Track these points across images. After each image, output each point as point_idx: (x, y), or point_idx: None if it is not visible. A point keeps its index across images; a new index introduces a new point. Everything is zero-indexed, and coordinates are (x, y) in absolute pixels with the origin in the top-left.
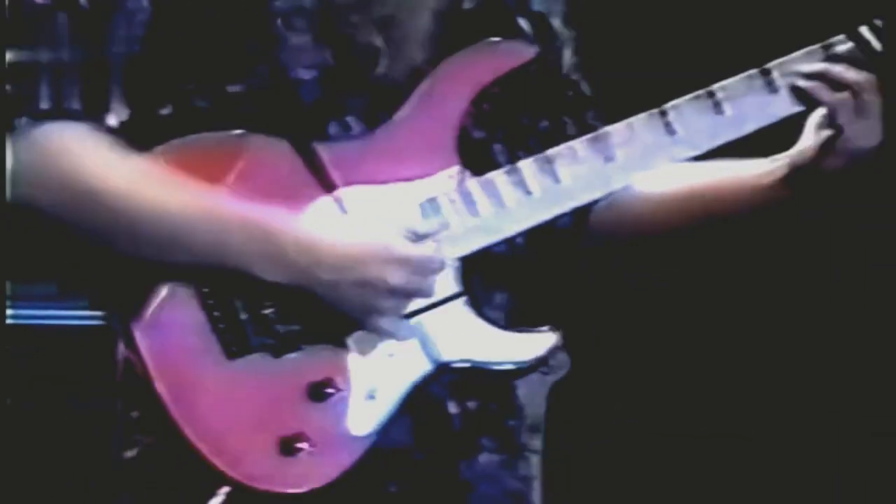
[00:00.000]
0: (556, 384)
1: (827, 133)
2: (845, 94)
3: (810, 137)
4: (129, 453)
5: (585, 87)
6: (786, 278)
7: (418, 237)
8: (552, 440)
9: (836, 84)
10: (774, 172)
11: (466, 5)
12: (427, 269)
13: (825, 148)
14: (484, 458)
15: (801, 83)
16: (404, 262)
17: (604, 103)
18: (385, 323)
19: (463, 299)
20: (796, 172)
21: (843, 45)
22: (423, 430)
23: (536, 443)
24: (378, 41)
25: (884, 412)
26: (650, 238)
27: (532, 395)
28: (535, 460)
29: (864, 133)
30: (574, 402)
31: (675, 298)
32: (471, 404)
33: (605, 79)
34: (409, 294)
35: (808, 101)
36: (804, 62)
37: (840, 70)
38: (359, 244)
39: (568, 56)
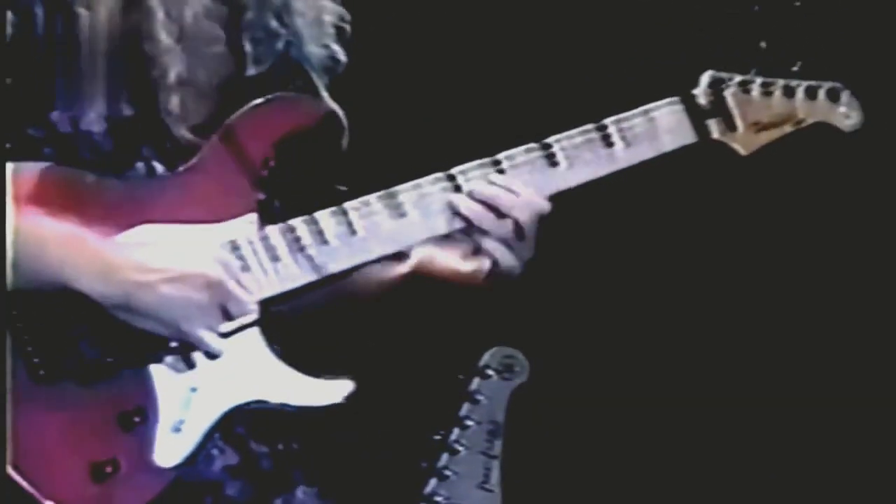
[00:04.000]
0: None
1: (476, 261)
2: (508, 225)
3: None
4: None
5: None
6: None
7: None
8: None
9: (500, 213)
10: (397, 270)
11: (251, 72)
12: (239, 275)
13: (452, 269)
14: (301, 492)
15: (466, 208)
16: (220, 260)
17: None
18: (202, 331)
19: (265, 343)
20: (415, 276)
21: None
22: (232, 466)
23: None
24: (167, 98)
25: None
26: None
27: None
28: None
29: (512, 263)
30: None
31: (638, 305)
32: (279, 443)
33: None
34: (222, 293)
35: (470, 226)
36: (483, 174)
37: (508, 199)
38: (174, 247)
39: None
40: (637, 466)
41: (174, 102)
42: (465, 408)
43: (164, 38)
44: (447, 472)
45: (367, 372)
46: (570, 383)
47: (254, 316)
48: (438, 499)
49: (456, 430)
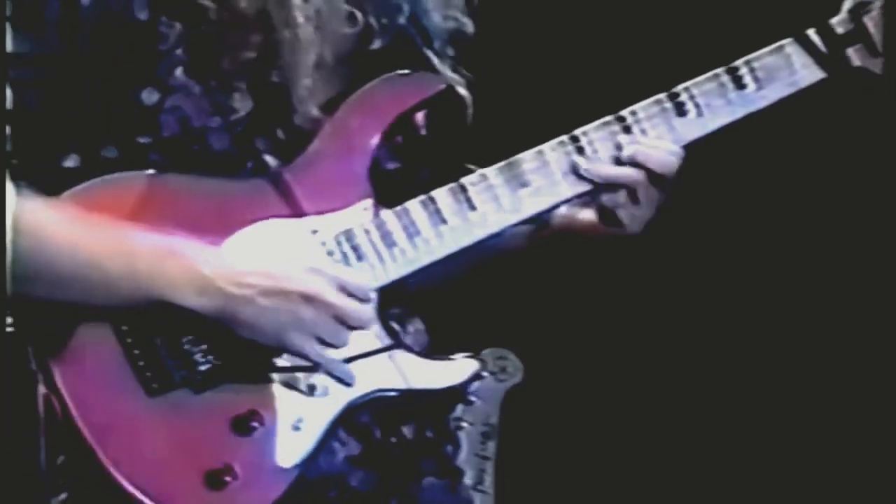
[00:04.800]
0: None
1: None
2: (639, 176)
3: (588, 215)
4: (58, 499)
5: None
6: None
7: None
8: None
9: (632, 166)
10: (539, 234)
11: (375, 45)
12: (348, 285)
13: (593, 226)
14: (427, 482)
15: (588, 170)
16: (322, 274)
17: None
18: (306, 344)
19: (382, 330)
20: (556, 237)
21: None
22: (355, 457)
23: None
24: (288, 86)
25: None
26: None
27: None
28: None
29: (636, 221)
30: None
31: (631, 305)
32: (406, 431)
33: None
34: (326, 307)
35: (597, 186)
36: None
37: (640, 154)
38: (275, 260)
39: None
40: (631, 468)
41: (306, 84)
42: (459, 409)
43: (302, 21)
44: None
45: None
46: (564, 384)
47: (379, 343)
48: None
49: None
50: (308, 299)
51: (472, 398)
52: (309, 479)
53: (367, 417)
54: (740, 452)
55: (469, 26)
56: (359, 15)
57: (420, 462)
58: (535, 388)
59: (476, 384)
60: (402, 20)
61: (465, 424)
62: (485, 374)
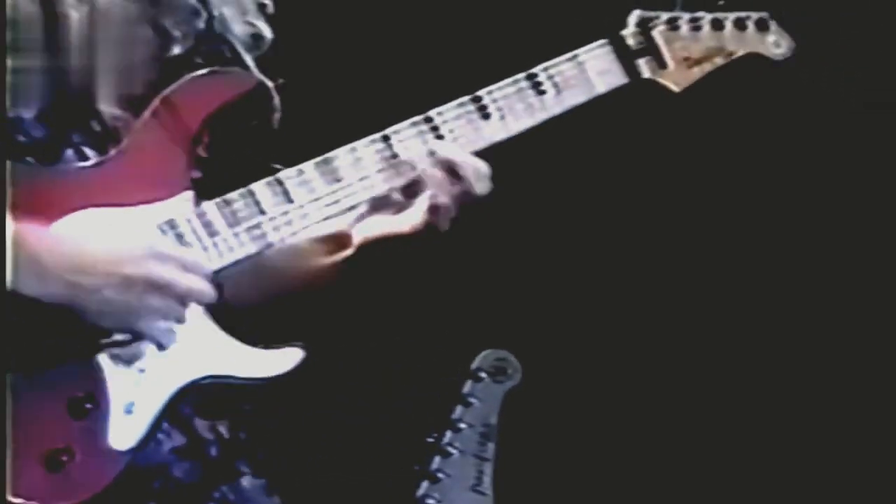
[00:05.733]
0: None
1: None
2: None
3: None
4: None
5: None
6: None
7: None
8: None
9: (442, 165)
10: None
11: (176, 51)
12: (189, 264)
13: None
14: (246, 481)
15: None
16: (166, 258)
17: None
18: (151, 328)
19: (209, 317)
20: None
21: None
22: (180, 448)
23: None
24: (96, 79)
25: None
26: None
27: None
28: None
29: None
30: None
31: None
32: (222, 429)
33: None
34: (174, 292)
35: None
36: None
37: (448, 153)
38: (119, 246)
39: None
40: (630, 469)
41: (99, 83)
42: (458, 410)
43: (75, 18)
44: (440, 475)
45: (349, 364)
46: (563, 385)
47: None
48: (431, 501)
49: (448, 433)
50: (154, 286)
51: (471, 399)
52: (137, 467)
53: (187, 409)
54: (739, 453)
55: (267, 31)
56: (148, 17)
57: (236, 460)
58: (535, 389)
59: (474, 385)
60: (201, 25)
61: (463, 426)
62: (483, 375)
